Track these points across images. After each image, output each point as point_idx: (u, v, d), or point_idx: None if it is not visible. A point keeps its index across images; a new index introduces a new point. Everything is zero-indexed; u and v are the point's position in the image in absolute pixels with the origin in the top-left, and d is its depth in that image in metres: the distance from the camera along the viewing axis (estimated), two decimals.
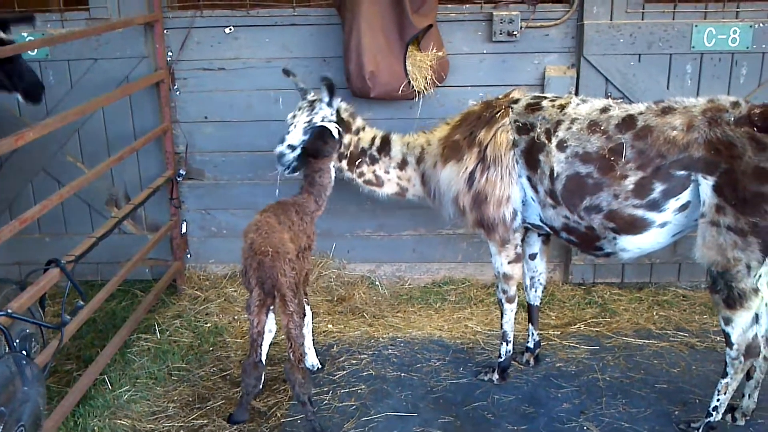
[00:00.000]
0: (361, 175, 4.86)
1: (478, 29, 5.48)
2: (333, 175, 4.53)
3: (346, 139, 4.72)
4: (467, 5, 5.50)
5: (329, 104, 4.60)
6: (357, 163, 4.81)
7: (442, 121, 4.74)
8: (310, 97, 4.69)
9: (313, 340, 4.82)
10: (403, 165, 4.78)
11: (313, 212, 4.42)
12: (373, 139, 4.83)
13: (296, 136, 4.57)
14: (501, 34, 5.41)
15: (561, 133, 4.00)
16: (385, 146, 4.81)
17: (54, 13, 5.67)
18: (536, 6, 5.39)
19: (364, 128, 4.85)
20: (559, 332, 5.18)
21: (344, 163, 4.81)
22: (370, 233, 5.98)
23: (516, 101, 4.31)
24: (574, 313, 5.48)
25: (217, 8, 5.63)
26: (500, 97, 4.45)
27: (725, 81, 5.45)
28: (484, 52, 5.52)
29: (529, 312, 4.81)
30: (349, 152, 4.78)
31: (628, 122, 3.87)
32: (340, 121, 4.66)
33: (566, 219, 4.08)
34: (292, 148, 4.57)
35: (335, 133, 4.43)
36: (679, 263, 5.76)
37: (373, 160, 4.81)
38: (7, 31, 4.34)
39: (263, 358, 4.19)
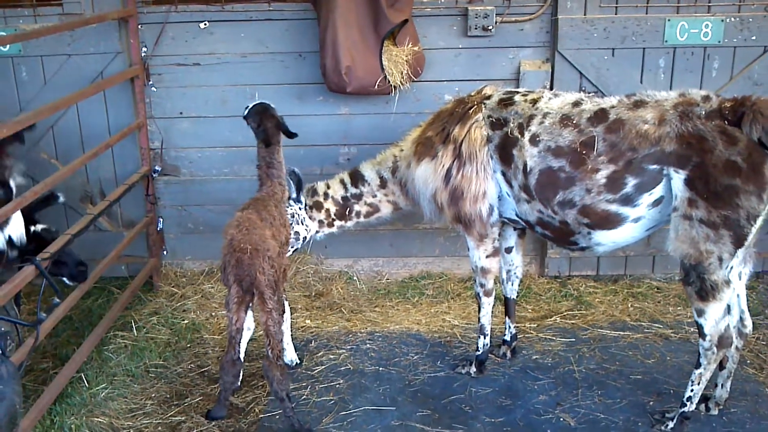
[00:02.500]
0: (359, 214, 4.96)
1: (454, 24, 5.50)
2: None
3: (321, 214, 4.89)
4: (442, 0, 5.51)
5: (297, 200, 4.76)
6: (348, 212, 4.93)
7: (416, 123, 4.78)
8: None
9: (292, 335, 4.83)
10: (383, 183, 4.87)
11: (284, 198, 4.41)
12: (342, 181, 4.94)
13: None
14: (476, 28, 5.43)
15: (533, 128, 4.03)
16: (356, 177, 4.91)
17: (26, 8, 5.60)
18: (511, 1, 5.42)
19: (329, 186, 4.94)
20: (535, 325, 5.23)
21: (339, 224, 4.96)
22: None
23: (488, 97, 4.32)
24: (550, 306, 5.53)
25: (191, 3, 5.59)
26: (472, 93, 4.46)
27: (698, 75, 5.51)
28: (460, 46, 5.54)
29: (506, 305, 4.84)
30: (334, 212, 4.92)
31: (600, 116, 3.90)
32: (307, 208, 4.85)
33: (540, 213, 4.11)
34: None
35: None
36: (653, 256, 5.83)
37: (358, 197, 4.91)
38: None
39: (241, 355, 4.18)
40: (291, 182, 4.64)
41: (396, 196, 4.88)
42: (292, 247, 4.73)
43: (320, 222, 4.91)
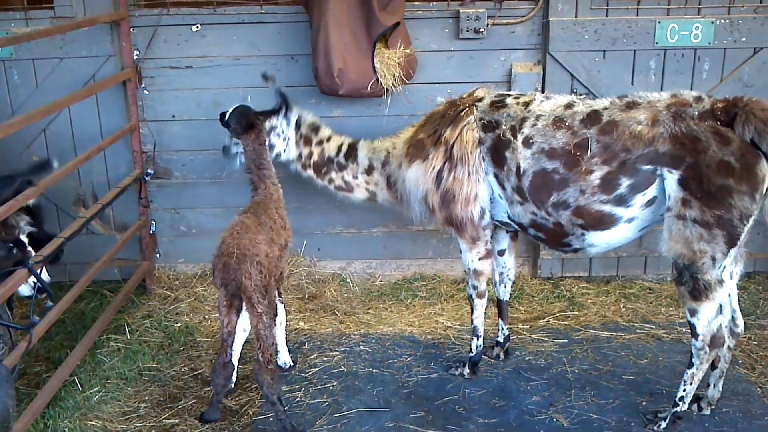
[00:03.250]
0: (331, 181, 5.02)
1: (446, 26, 5.51)
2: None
3: (305, 150, 4.94)
4: (434, 2, 5.53)
5: (286, 117, 4.82)
6: (323, 171, 4.99)
7: (408, 124, 4.79)
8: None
9: (285, 337, 4.83)
10: (369, 170, 4.90)
11: (281, 197, 4.44)
12: (340, 146, 4.97)
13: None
14: (468, 31, 5.45)
15: (526, 130, 4.04)
16: (351, 153, 4.94)
17: (18, 11, 5.59)
18: (502, 3, 5.45)
19: (329, 138, 4.99)
20: (528, 326, 5.24)
21: (310, 172, 5.01)
22: (340, 230, 5.99)
23: (480, 99, 4.34)
24: (542, 307, 5.54)
25: (183, 6, 5.60)
26: (464, 96, 4.47)
27: (688, 76, 5.54)
28: (452, 49, 5.55)
29: (499, 307, 4.85)
30: (312, 162, 4.97)
31: (592, 117, 3.92)
32: (299, 135, 4.91)
33: (534, 215, 4.12)
34: (238, 144, 4.69)
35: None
36: (645, 256, 5.86)
37: (341, 167, 4.96)
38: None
39: (234, 358, 4.18)
40: (278, 99, 4.76)
41: (378, 187, 4.93)
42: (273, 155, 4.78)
43: (299, 156, 4.99)
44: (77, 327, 5.31)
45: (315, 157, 4.97)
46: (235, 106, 4.48)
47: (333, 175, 4.99)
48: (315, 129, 4.98)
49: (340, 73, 5.12)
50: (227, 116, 4.45)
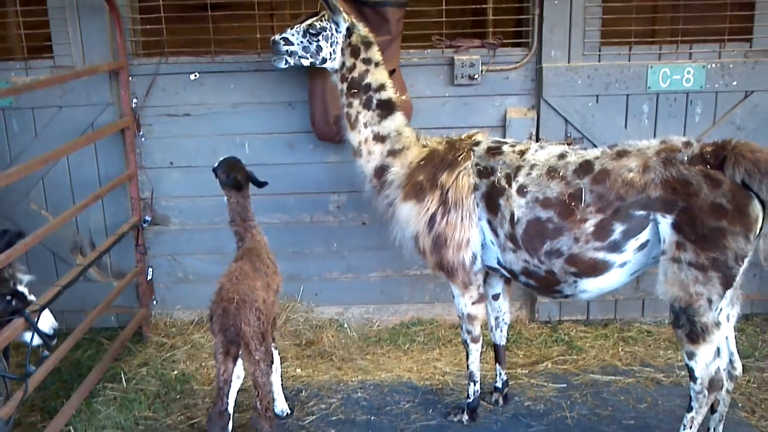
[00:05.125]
0: (350, 105, 4.57)
1: (440, 73, 5.59)
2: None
3: (349, 61, 4.53)
4: (429, 50, 5.61)
5: (336, 22, 4.51)
6: (352, 92, 4.54)
7: (435, 135, 4.67)
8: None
9: (282, 385, 4.80)
10: (378, 138, 4.57)
11: (267, 244, 4.44)
12: (383, 86, 4.55)
13: (295, 33, 4.59)
14: (462, 77, 5.52)
15: (521, 179, 4.08)
16: (387, 108, 4.56)
17: (18, 61, 5.66)
18: (496, 50, 5.53)
19: (378, 64, 4.56)
20: (527, 371, 5.21)
21: (344, 86, 4.58)
22: (337, 275, 5.99)
23: (478, 143, 4.38)
24: (541, 352, 5.51)
25: (182, 55, 5.67)
26: (463, 137, 4.51)
27: (681, 120, 5.59)
28: (447, 95, 5.62)
29: (496, 352, 4.83)
30: (351, 77, 4.54)
31: (585, 167, 3.96)
32: (348, 44, 4.53)
33: (526, 263, 4.13)
34: (286, 41, 4.60)
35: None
36: (643, 299, 5.85)
37: (367, 105, 4.54)
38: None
39: (230, 406, 4.15)
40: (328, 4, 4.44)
41: (371, 156, 4.60)
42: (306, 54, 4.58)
43: (342, 65, 4.56)
44: (73, 375, 5.27)
45: (355, 73, 4.52)
46: (223, 158, 4.52)
47: (355, 102, 4.54)
48: (367, 44, 4.54)
49: (337, 120, 5.16)
50: (216, 165, 4.51)
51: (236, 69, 5.62)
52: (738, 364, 4.12)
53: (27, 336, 3.93)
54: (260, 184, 4.44)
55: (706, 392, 3.90)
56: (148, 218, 5.77)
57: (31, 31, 5.69)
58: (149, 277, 5.87)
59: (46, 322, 4.02)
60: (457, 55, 5.53)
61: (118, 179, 5.45)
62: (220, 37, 5.67)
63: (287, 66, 4.70)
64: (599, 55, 5.52)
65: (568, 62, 5.50)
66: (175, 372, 5.28)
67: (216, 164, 4.52)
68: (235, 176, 4.40)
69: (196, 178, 5.76)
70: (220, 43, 5.65)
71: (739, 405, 4.67)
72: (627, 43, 5.56)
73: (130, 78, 5.57)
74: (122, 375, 5.19)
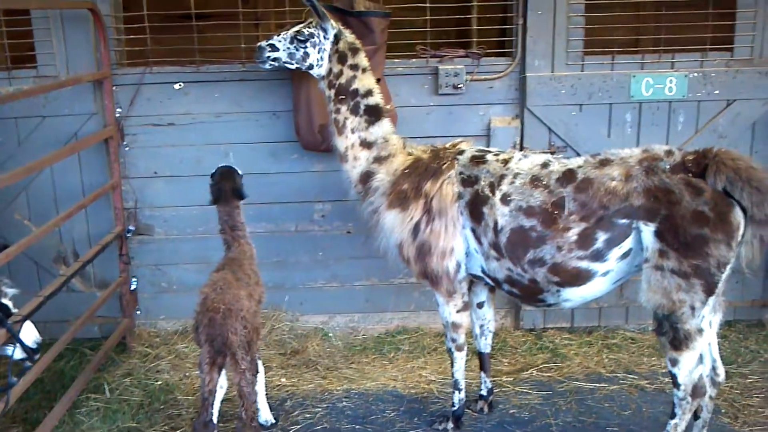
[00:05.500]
0: (338, 111, 4.57)
1: (425, 82, 5.61)
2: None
3: (336, 67, 4.54)
4: (414, 60, 5.63)
5: (324, 28, 4.52)
6: (340, 98, 4.55)
7: (420, 144, 4.69)
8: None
9: (266, 394, 4.78)
10: (365, 145, 4.58)
11: (254, 254, 4.43)
12: (370, 92, 4.57)
13: (282, 40, 4.61)
14: (447, 87, 5.54)
15: (505, 187, 4.10)
16: (374, 114, 4.57)
17: (1, 71, 5.62)
18: (480, 60, 5.56)
19: (365, 70, 4.57)
20: (511, 378, 5.22)
21: (332, 93, 4.59)
22: (322, 284, 5.99)
23: (462, 152, 4.39)
24: (526, 359, 5.53)
25: (166, 65, 5.66)
26: (448, 146, 4.53)
27: (664, 128, 5.64)
28: (431, 104, 5.64)
29: (480, 360, 4.84)
30: (338, 83, 4.56)
31: (568, 176, 3.99)
32: (335, 50, 4.54)
33: (509, 271, 4.15)
34: (272, 47, 4.62)
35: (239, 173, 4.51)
36: (627, 307, 5.88)
37: (355, 111, 4.55)
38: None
39: (214, 417, 4.13)
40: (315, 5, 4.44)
41: (356, 161, 4.60)
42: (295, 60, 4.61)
43: (329, 72, 4.56)
44: (56, 386, 5.22)
45: (343, 79, 4.54)
46: (219, 166, 4.52)
47: (343, 108, 4.54)
48: (354, 50, 4.56)
49: (321, 129, 5.17)
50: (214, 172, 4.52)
51: (221, 78, 5.62)
52: (721, 371, 4.15)
53: (9, 350, 3.89)
54: (240, 197, 4.44)
55: (689, 399, 3.92)
56: (131, 228, 5.75)
57: (15, 41, 5.68)
58: (133, 287, 5.84)
59: (30, 335, 3.98)
60: (441, 64, 5.56)
61: (102, 189, 5.43)
62: (205, 47, 5.67)
63: (271, 68, 4.75)
64: (582, 64, 5.56)
65: (552, 72, 5.54)
66: (159, 382, 5.25)
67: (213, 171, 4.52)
68: (216, 186, 4.39)
69: (180, 187, 5.75)
70: (205, 52, 5.65)
71: (723, 411, 4.69)
72: (610, 52, 5.61)
73: (114, 88, 5.55)
74: (105, 386, 5.15)
